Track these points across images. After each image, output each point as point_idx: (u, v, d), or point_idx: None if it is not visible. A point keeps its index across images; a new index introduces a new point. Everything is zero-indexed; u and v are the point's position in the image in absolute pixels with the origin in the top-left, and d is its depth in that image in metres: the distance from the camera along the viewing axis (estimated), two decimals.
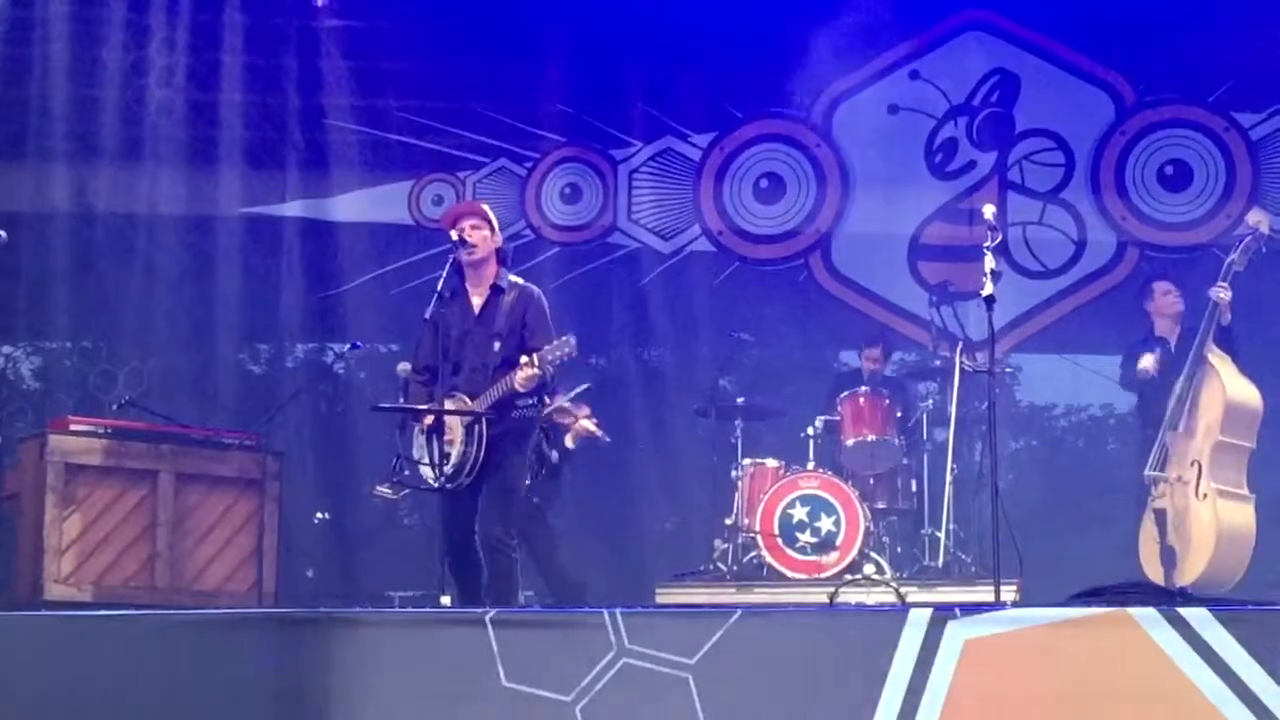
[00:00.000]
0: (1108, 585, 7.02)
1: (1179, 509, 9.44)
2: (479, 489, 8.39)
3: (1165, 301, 10.14)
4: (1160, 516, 9.51)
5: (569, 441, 10.70)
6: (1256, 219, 9.54)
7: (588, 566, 10.97)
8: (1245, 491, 9.37)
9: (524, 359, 8.24)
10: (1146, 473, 9.61)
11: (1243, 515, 9.32)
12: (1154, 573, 9.44)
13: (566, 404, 10.62)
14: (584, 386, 10.72)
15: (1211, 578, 9.04)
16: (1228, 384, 9.33)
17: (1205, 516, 9.24)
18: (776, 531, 10.58)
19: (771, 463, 10.89)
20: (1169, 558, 9.41)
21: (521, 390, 8.27)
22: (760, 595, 10.22)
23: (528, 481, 10.21)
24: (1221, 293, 9.43)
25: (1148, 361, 9.87)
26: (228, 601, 9.46)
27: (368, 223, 12.48)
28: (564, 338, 8.27)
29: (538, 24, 12.04)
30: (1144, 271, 11.87)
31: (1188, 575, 9.19)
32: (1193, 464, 9.36)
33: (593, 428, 10.77)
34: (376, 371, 12.13)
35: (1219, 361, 9.41)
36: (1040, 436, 12.62)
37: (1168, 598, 6.76)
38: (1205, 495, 9.24)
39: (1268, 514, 9.51)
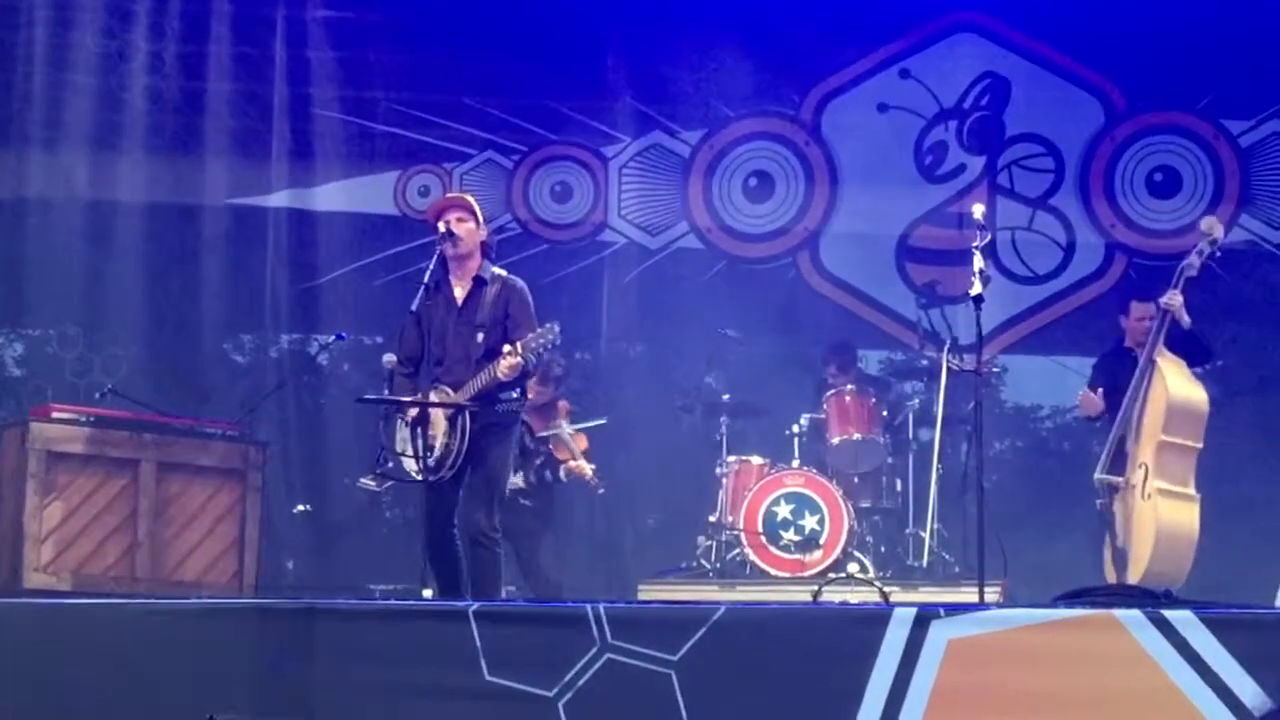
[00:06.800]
0: (1093, 587, 7.00)
1: (1126, 512, 9.39)
2: (460, 482, 8.36)
3: (1139, 326, 10.10)
4: (1111, 520, 9.47)
5: (562, 475, 10.65)
6: (1209, 226, 9.56)
7: (570, 562, 10.94)
8: (1191, 491, 9.24)
9: (507, 348, 8.20)
10: (1096, 476, 9.55)
11: (1185, 514, 9.21)
12: (1110, 576, 9.38)
13: (570, 433, 10.60)
14: (599, 421, 10.74)
15: (1154, 577, 8.93)
16: (1171, 385, 9.24)
17: (1147, 516, 9.19)
18: (760, 529, 10.57)
19: (756, 460, 10.89)
20: (1120, 560, 9.37)
21: (505, 379, 8.23)
22: (743, 593, 10.19)
23: (523, 485, 10.25)
24: (1172, 299, 9.39)
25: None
26: (208, 592, 9.41)
27: (353, 213, 12.42)
28: (547, 325, 8.25)
29: (526, 17, 12.01)
30: (1132, 278, 11.86)
31: (1133, 575, 9.13)
32: (1140, 466, 9.32)
33: (588, 470, 10.67)
34: (360, 363, 12.09)
35: (1166, 364, 9.34)
36: (1025, 438, 12.61)
37: (1153, 600, 6.74)
38: (1149, 496, 9.19)
39: (1245, 513, 9.46)
